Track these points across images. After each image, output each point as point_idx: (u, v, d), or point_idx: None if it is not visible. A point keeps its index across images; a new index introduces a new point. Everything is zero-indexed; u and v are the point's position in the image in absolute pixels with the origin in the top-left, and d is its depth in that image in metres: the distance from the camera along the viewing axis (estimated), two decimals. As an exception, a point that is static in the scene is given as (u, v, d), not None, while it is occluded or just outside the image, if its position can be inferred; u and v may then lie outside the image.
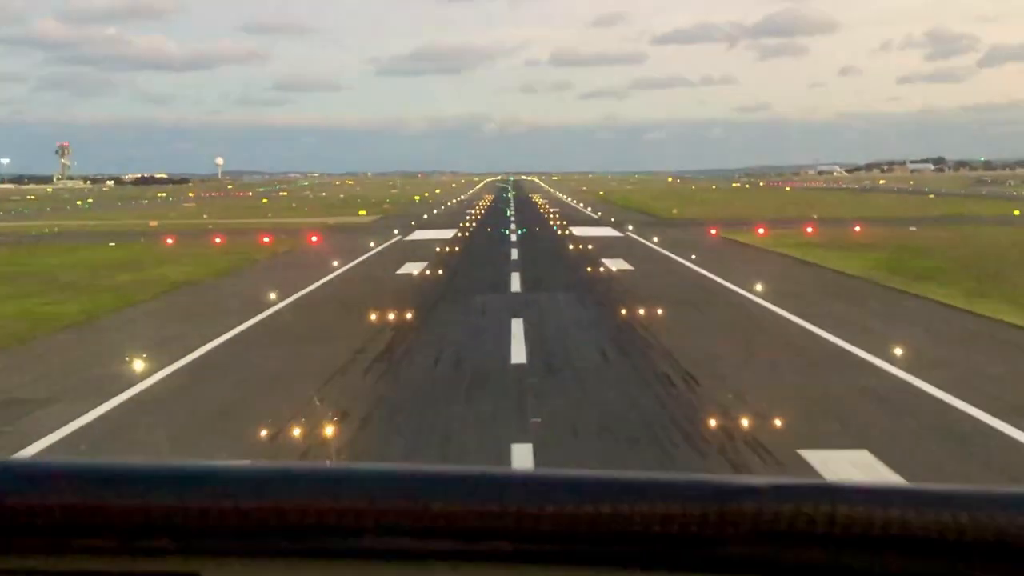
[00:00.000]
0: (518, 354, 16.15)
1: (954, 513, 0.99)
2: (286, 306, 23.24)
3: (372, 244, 44.26)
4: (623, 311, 21.60)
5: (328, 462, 1.44)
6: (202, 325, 19.70)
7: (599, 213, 75.83)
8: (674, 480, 1.07)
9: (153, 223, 67.42)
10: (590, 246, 41.54)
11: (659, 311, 21.33)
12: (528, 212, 79.44)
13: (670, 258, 35.57)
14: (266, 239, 47.31)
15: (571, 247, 41.67)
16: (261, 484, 1.11)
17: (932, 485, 1.04)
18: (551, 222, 63.34)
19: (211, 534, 1.10)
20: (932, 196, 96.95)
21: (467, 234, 52.23)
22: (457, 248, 41.78)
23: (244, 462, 1.22)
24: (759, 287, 24.84)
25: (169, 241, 48.12)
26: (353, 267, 34.32)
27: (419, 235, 51.61)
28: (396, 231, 53.91)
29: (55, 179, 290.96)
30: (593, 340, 17.79)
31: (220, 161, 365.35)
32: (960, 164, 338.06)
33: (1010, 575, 1.00)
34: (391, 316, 20.86)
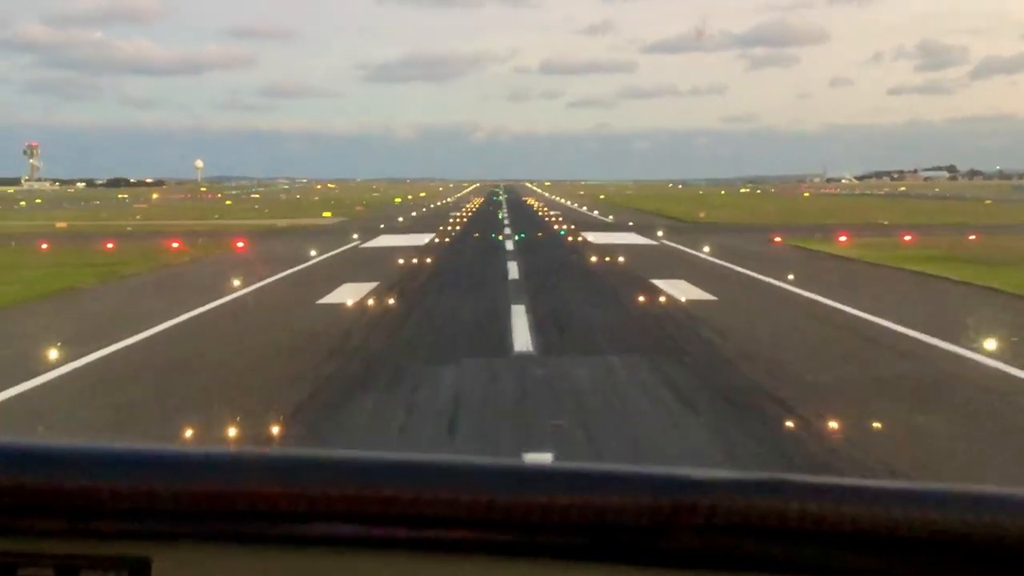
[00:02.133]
0: None
1: (906, 510, 1.00)
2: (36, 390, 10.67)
3: (313, 253, 31.75)
4: (788, 421, 9.06)
5: (283, 448, 1.27)
6: None
7: (610, 216, 62.89)
8: (630, 472, 1.06)
9: (61, 224, 54.90)
10: (621, 258, 28.86)
11: (875, 422, 8.84)
12: (524, 215, 66.42)
13: (757, 280, 22.87)
14: (175, 244, 35.41)
15: (594, 259, 28.92)
16: (214, 468, 1.09)
17: (888, 483, 1.04)
18: (555, 226, 50.46)
19: (162, 518, 1.07)
20: (989, 202, 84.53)
21: (447, 240, 39.41)
22: (429, 260, 28.98)
23: (198, 448, 1.18)
24: (991, 343, 12.45)
25: (44, 246, 36.26)
26: (255, 290, 21.60)
27: (383, 241, 38.90)
28: (356, 236, 41.26)
29: (22, 181, 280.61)
30: None
31: (200, 164, 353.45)
32: (973, 173, 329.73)
33: (960, 572, 1.00)
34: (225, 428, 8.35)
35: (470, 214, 68.46)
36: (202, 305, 18.23)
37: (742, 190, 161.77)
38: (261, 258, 30.99)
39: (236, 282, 22.60)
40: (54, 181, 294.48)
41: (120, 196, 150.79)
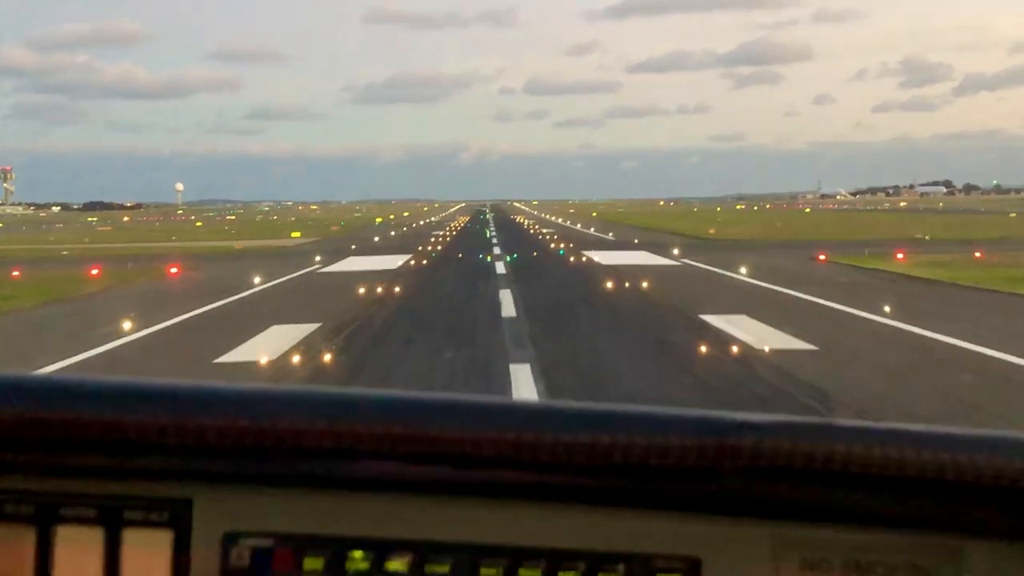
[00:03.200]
0: None
1: (952, 454, 0.98)
2: None
3: (258, 280, 25.35)
4: None
5: (329, 387, 1.13)
6: None
7: (610, 234, 56.49)
8: (672, 413, 1.04)
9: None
10: (644, 283, 22.56)
11: None
12: (515, 233, 59.90)
13: (846, 315, 16.63)
14: (95, 271, 29.15)
15: (610, 285, 22.56)
16: (258, 404, 1.05)
17: (935, 427, 1.01)
18: (551, 244, 44.10)
19: (204, 455, 1.04)
20: (1014, 215, 78.53)
21: (424, 263, 33.02)
22: (398, 289, 22.58)
23: (242, 385, 1.11)
24: None
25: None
26: (140, 339, 15.28)
27: (349, 265, 32.55)
28: (319, 258, 34.88)
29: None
30: None
31: (180, 187, 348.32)
32: (970, 188, 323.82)
33: (1005, 517, 0.99)
34: None
35: (455, 232, 62.05)
36: (40, 364, 11.85)
37: (738, 207, 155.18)
38: (189, 288, 24.70)
39: (126, 324, 16.33)
40: (28, 205, 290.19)
41: (90, 219, 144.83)
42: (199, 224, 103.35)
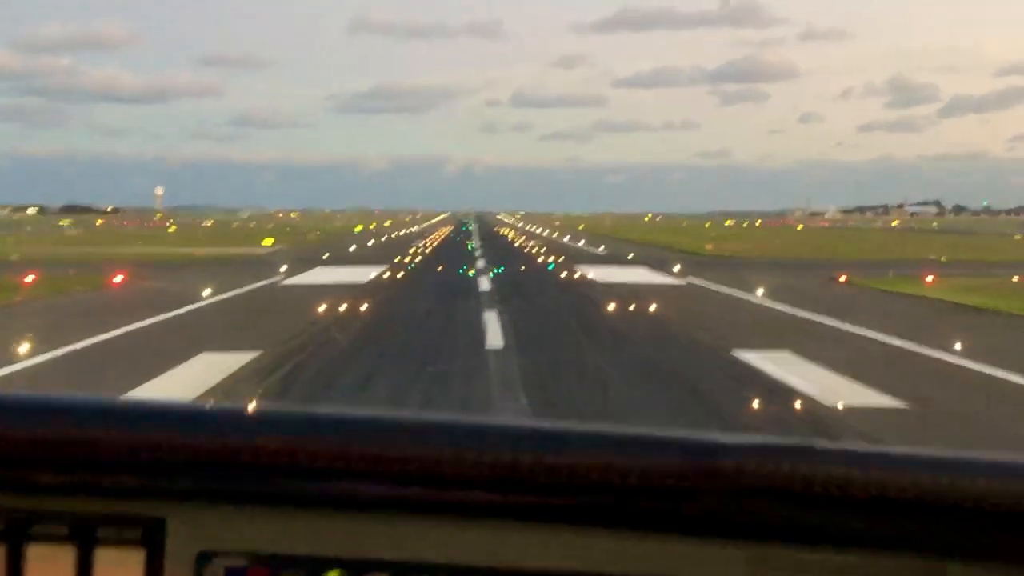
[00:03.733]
0: None
1: (933, 476, 0.98)
2: None
3: (207, 293, 22.16)
4: None
5: (301, 407, 1.23)
6: None
7: (601, 248, 53.34)
8: (653, 435, 1.04)
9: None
10: (652, 305, 19.45)
11: None
12: (500, 246, 56.58)
13: (912, 355, 13.49)
14: (29, 278, 26.10)
15: (612, 308, 19.40)
16: (231, 424, 1.05)
17: (916, 449, 1.02)
18: (539, 258, 40.85)
19: (177, 474, 1.04)
20: (1019, 237, 75.79)
21: (400, 275, 29.79)
22: (365, 308, 19.37)
23: (215, 404, 1.13)
24: None
25: None
26: (26, 369, 11.99)
27: (315, 276, 29.37)
28: (285, 268, 31.65)
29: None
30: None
31: (159, 192, 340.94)
32: (959, 208, 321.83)
33: (987, 538, 0.98)
34: None
35: (436, 243, 58.83)
36: None
37: (727, 223, 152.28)
38: (128, 300, 21.53)
39: (22, 346, 13.17)
40: (4, 206, 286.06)
41: (62, 223, 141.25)
42: (172, 229, 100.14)
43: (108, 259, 39.60)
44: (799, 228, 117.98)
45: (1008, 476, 0.99)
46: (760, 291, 22.70)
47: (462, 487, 1.02)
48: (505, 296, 22.16)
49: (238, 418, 1.07)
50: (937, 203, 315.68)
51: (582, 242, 62.27)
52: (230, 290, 23.58)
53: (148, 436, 1.03)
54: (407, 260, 38.21)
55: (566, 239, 68.83)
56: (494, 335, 14.97)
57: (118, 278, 26.72)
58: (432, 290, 24.37)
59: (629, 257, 42.06)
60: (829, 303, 20.14)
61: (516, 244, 58.24)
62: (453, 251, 47.89)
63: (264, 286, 25.57)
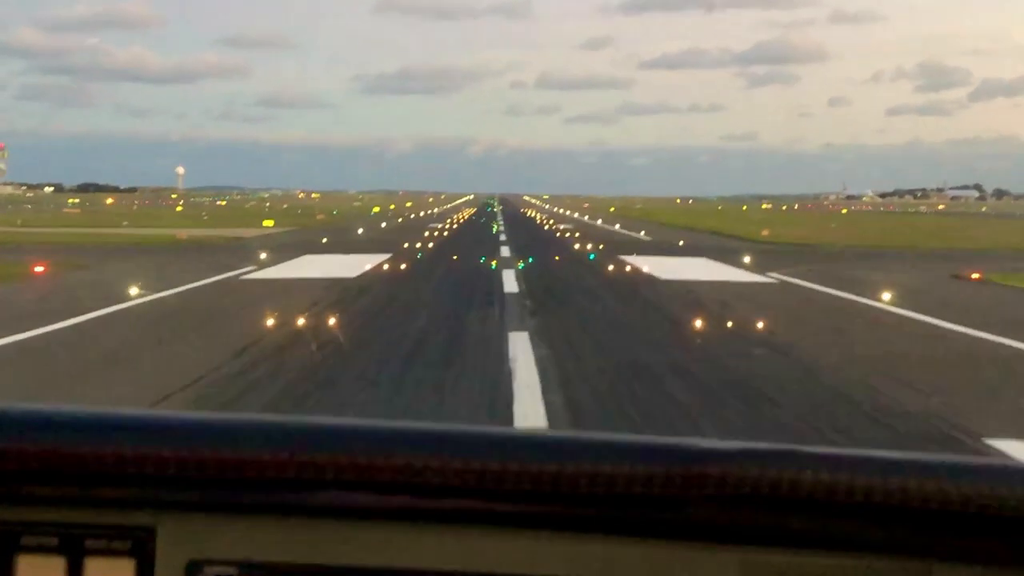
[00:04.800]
0: None
1: (919, 480, 0.98)
2: None
3: (135, 292, 16.20)
4: None
5: (292, 416, 1.16)
6: None
7: (641, 232, 47.06)
8: (639, 441, 1.04)
9: None
10: (759, 321, 13.32)
11: None
12: (528, 230, 50.26)
13: None
14: None
15: (700, 326, 13.22)
16: (221, 434, 1.05)
17: (901, 453, 1.02)
18: (575, 245, 34.62)
19: (167, 485, 1.03)
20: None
21: (405, 266, 23.67)
22: (334, 322, 13.28)
23: (205, 414, 1.12)
24: None
25: None
26: None
27: (297, 268, 23.42)
28: (265, 256, 25.84)
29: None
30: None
31: (181, 171, 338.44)
32: (1000, 192, 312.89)
33: (973, 541, 1.00)
34: None
35: (455, 226, 52.76)
36: None
37: (764, 206, 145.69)
38: (27, 299, 15.64)
39: None
40: (20, 185, 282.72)
41: (71, 201, 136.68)
42: (179, 209, 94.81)
43: (76, 242, 33.99)
44: (844, 212, 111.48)
45: (993, 480, 0.98)
46: (898, 298, 16.52)
47: (451, 495, 1.01)
48: (540, 303, 16.06)
49: (228, 428, 1.06)
50: (978, 187, 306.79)
51: (617, 226, 56.05)
52: (175, 287, 17.73)
53: (138, 446, 1.02)
54: (418, 246, 32.12)
55: (599, 222, 62.57)
56: (528, 383, 8.83)
57: (39, 268, 20.88)
58: (436, 293, 18.20)
59: (680, 244, 35.86)
60: (1010, 321, 13.94)
61: (547, 228, 52.07)
62: (474, 235, 41.78)
63: (222, 280, 19.59)
